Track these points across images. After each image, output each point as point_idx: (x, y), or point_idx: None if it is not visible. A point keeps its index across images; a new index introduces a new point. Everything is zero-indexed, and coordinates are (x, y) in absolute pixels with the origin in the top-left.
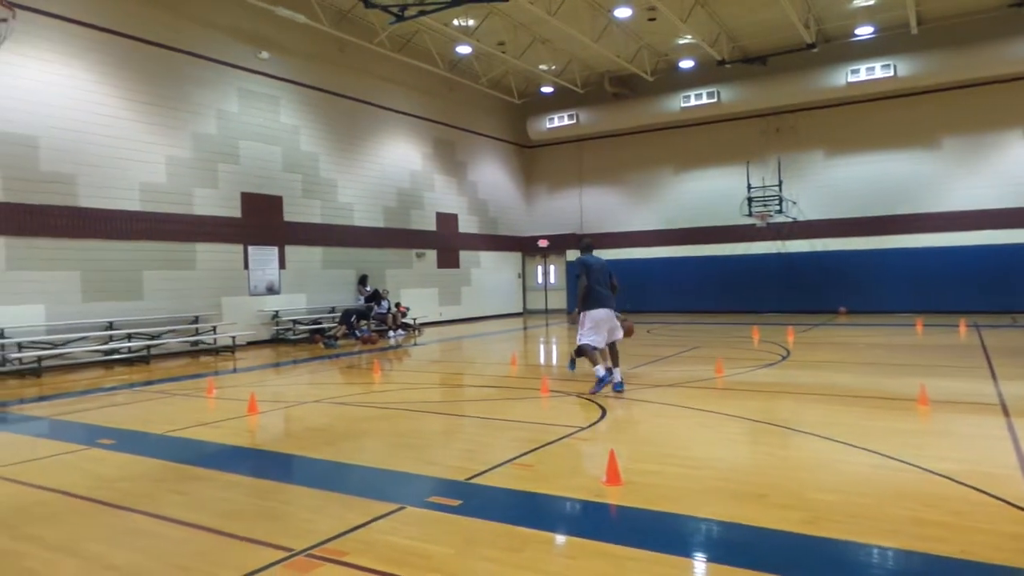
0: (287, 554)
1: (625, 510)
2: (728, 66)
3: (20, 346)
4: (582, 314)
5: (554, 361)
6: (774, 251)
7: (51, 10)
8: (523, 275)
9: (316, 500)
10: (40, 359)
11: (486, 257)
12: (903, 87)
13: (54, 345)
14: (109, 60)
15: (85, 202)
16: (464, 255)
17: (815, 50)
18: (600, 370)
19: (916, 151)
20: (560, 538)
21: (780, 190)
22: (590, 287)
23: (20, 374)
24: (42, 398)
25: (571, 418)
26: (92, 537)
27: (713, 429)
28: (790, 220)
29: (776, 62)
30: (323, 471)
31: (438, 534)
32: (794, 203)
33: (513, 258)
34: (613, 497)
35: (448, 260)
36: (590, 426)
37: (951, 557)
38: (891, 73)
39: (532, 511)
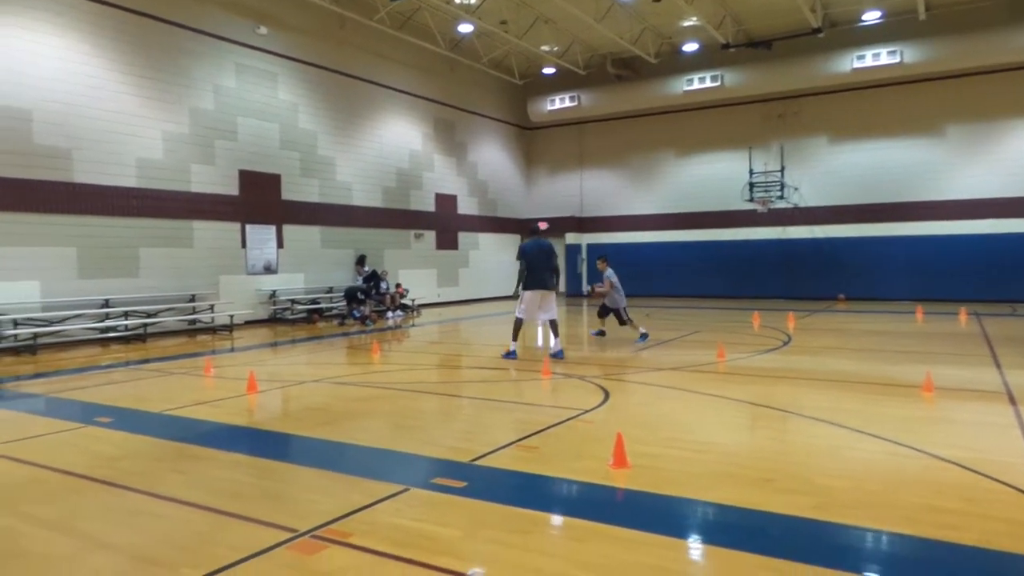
0: (291, 535)
1: (632, 493)
2: (732, 50)
3: (15, 323)
4: (520, 292)
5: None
6: (775, 237)
7: None
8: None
9: (319, 480)
10: (36, 336)
11: (485, 239)
12: (909, 74)
13: (49, 322)
14: (104, 32)
15: (80, 177)
16: (463, 236)
17: (821, 35)
18: (512, 344)
19: (920, 139)
20: (568, 521)
21: (782, 176)
22: (523, 270)
23: (15, 351)
24: (38, 375)
25: (574, 400)
26: (89, 516)
27: (717, 413)
28: (791, 206)
29: (781, 46)
30: (325, 451)
31: (444, 516)
32: (796, 189)
33: (512, 240)
34: (620, 480)
35: (447, 241)
36: (593, 409)
37: (969, 545)
38: (897, 59)
39: (538, 493)
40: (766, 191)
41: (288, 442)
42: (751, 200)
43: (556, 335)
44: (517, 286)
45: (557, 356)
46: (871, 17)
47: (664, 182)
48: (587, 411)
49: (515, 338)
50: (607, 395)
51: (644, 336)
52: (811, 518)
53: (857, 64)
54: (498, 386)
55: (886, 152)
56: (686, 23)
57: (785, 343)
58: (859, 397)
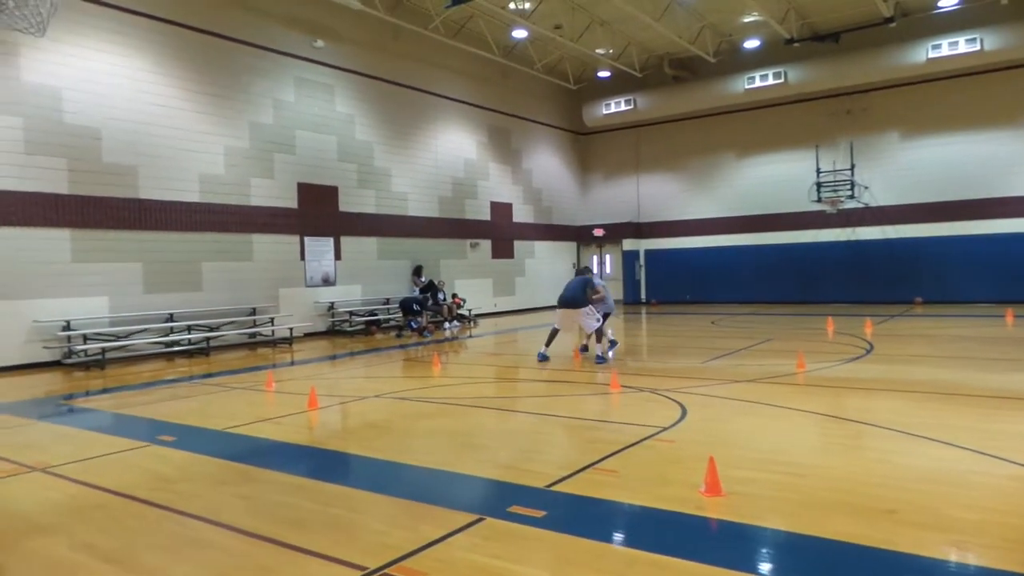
0: (360, 573)
1: (732, 526)
2: (797, 45)
3: (85, 338)
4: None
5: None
6: (844, 239)
7: (111, 1)
8: (578, 265)
9: (386, 508)
10: (104, 351)
11: (540, 247)
12: (989, 62)
13: (117, 337)
14: (167, 51)
15: (145, 194)
16: (518, 245)
17: (893, 24)
18: (544, 349)
19: (1001, 131)
20: (661, 560)
21: (852, 174)
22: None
23: (85, 366)
24: (105, 390)
25: (649, 417)
26: (150, 546)
27: (809, 430)
28: (862, 206)
29: (849, 39)
30: (390, 474)
31: (526, 552)
32: (866, 188)
33: (568, 248)
34: (715, 510)
35: (502, 250)
36: (672, 426)
37: None
38: (977, 47)
39: (626, 525)
40: (835, 191)
41: (351, 463)
42: (819, 200)
43: (598, 341)
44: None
45: (600, 361)
46: (948, 3)
47: (725, 185)
48: (665, 428)
49: (547, 342)
50: (684, 410)
51: (613, 344)
52: (951, 560)
53: (933, 54)
54: (566, 400)
55: (964, 146)
56: (747, 19)
57: (868, 351)
58: (968, 411)
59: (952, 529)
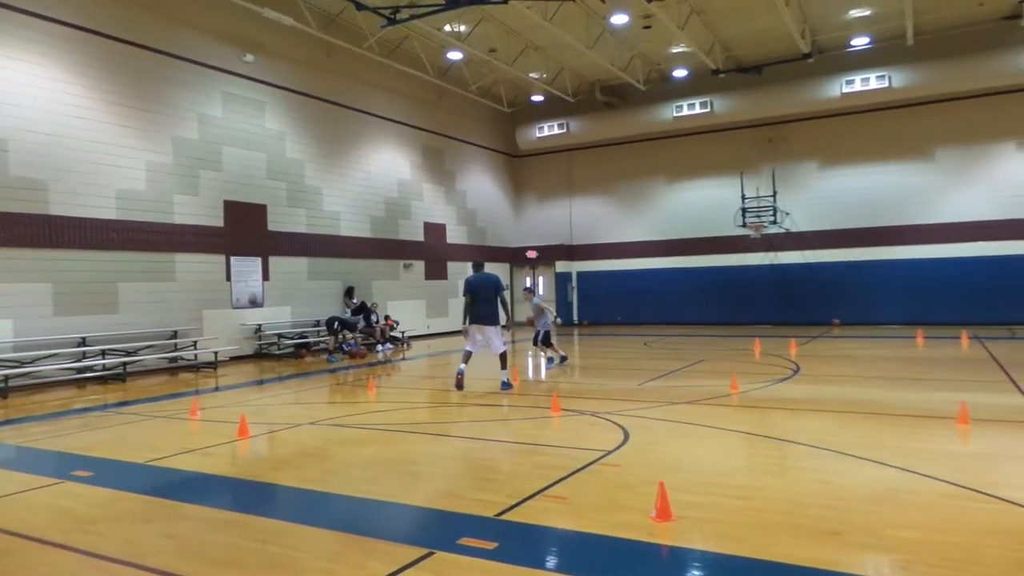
0: None
1: (685, 552)
2: (722, 76)
3: None
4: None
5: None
6: (767, 262)
7: (23, 6)
8: (511, 287)
9: (329, 543)
10: (7, 378)
11: None
12: (898, 98)
13: (21, 363)
14: (86, 60)
15: (57, 209)
16: (452, 266)
17: (810, 60)
18: (462, 367)
19: (910, 162)
20: None
21: (774, 201)
22: (469, 304)
23: None
24: (8, 421)
25: (592, 440)
26: None
27: (750, 452)
28: (783, 231)
29: (771, 72)
30: (330, 506)
31: None
32: (787, 214)
33: (501, 269)
34: (667, 536)
35: (436, 271)
36: (615, 449)
37: None
38: (886, 84)
39: (580, 555)
40: (758, 216)
41: (288, 496)
42: (744, 225)
43: (504, 367)
44: (464, 319)
45: (504, 387)
46: (860, 42)
47: (655, 209)
48: (609, 452)
49: (464, 361)
50: (627, 434)
51: (564, 359)
52: None
53: (846, 89)
54: (507, 425)
55: (877, 176)
56: (675, 50)
57: (795, 371)
58: (895, 431)
59: (896, 549)
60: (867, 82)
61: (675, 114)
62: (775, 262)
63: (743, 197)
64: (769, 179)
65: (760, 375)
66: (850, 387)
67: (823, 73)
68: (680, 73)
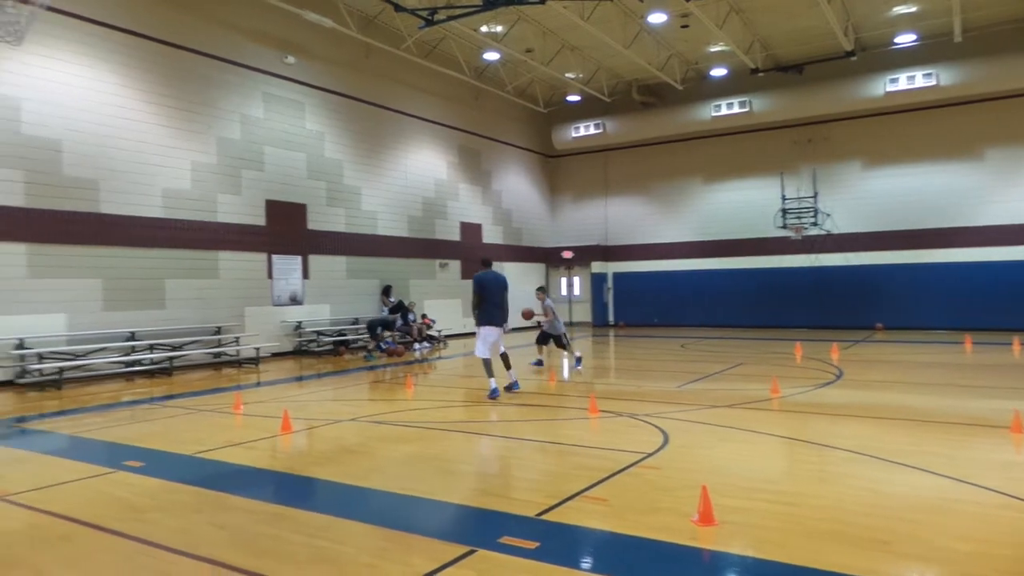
0: None
1: (729, 557)
2: (761, 75)
3: (41, 357)
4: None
5: (593, 377)
6: (807, 264)
7: (76, 11)
8: (547, 287)
9: (374, 539)
10: (61, 370)
11: (510, 268)
12: (945, 97)
13: (75, 356)
14: (134, 63)
15: (107, 208)
16: None
17: (853, 58)
18: (492, 383)
19: (958, 162)
20: None
21: (815, 202)
22: (480, 303)
23: (40, 386)
24: (63, 412)
25: (631, 442)
26: None
27: (793, 457)
28: (824, 233)
29: (812, 71)
30: (372, 502)
31: None
32: (828, 215)
33: (537, 269)
34: (710, 540)
35: (472, 271)
36: (655, 452)
37: None
38: (933, 82)
39: (622, 557)
40: (799, 217)
41: (331, 491)
42: (784, 227)
43: (509, 367)
44: (476, 315)
45: (512, 388)
46: (905, 40)
47: (692, 209)
48: (649, 455)
49: (491, 374)
50: (666, 436)
51: (579, 360)
52: None
53: (890, 87)
54: (546, 425)
55: (922, 177)
56: (714, 49)
57: (838, 376)
58: (943, 439)
59: (947, 561)
60: (913, 80)
61: (713, 113)
62: (816, 264)
63: (783, 198)
64: (810, 179)
65: (801, 379)
66: (896, 393)
67: (866, 71)
68: (718, 72)
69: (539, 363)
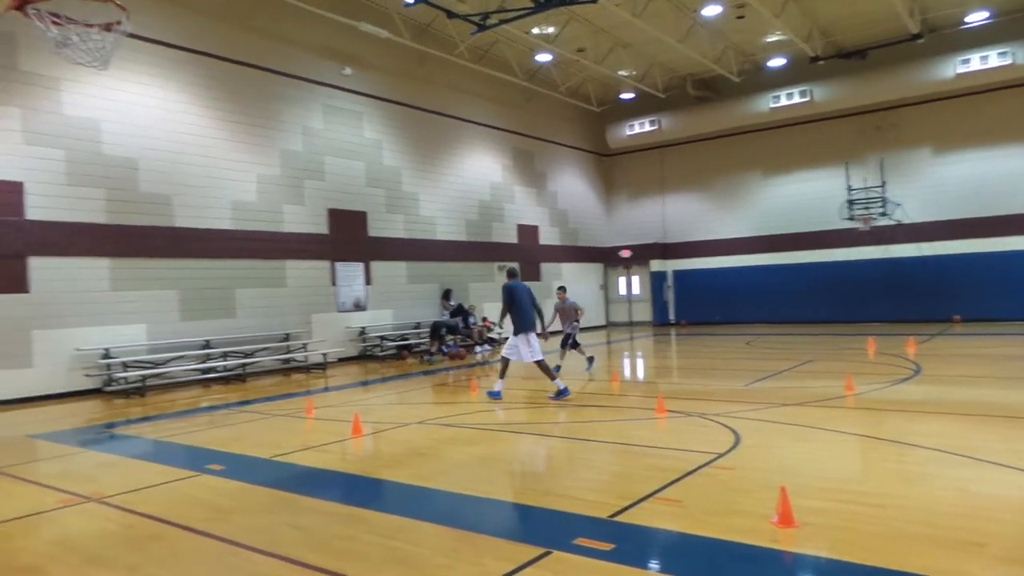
0: None
1: (813, 560)
2: (822, 63)
3: (125, 365)
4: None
5: (656, 376)
6: (877, 256)
7: (149, 35)
8: (605, 286)
9: (447, 540)
10: (144, 378)
11: (567, 269)
12: (1022, 76)
13: (155, 364)
14: (202, 82)
15: (180, 222)
16: (545, 267)
17: (920, 40)
18: (497, 385)
19: None
20: None
21: (883, 191)
22: (511, 310)
23: (125, 393)
24: (147, 418)
25: (702, 443)
26: None
27: (873, 456)
28: (895, 223)
29: (876, 56)
30: (445, 504)
31: None
32: (899, 205)
33: (595, 269)
34: (791, 542)
35: (529, 273)
36: (727, 452)
37: None
38: (1009, 61)
39: (700, 559)
40: (867, 208)
41: (403, 493)
42: (851, 218)
43: (548, 374)
44: (507, 322)
45: (562, 395)
46: (977, 18)
47: (752, 204)
48: (721, 455)
49: (502, 376)
50: (737, 436)
51: (591, 361)
52: None
53: (961, 69)
54: (612, 426)
55: (999, 161)
56: (771, 38)
57: (916, 372)
58: None
59: None
60: (986, 60)
61: (772, 105)
62: (886, 256)
63: (849, 188)
64: (877, 168)
65: (877, 375)
66: (980, 388)
67: (934, 53)
68: (776, 62)
69: (589, 362)
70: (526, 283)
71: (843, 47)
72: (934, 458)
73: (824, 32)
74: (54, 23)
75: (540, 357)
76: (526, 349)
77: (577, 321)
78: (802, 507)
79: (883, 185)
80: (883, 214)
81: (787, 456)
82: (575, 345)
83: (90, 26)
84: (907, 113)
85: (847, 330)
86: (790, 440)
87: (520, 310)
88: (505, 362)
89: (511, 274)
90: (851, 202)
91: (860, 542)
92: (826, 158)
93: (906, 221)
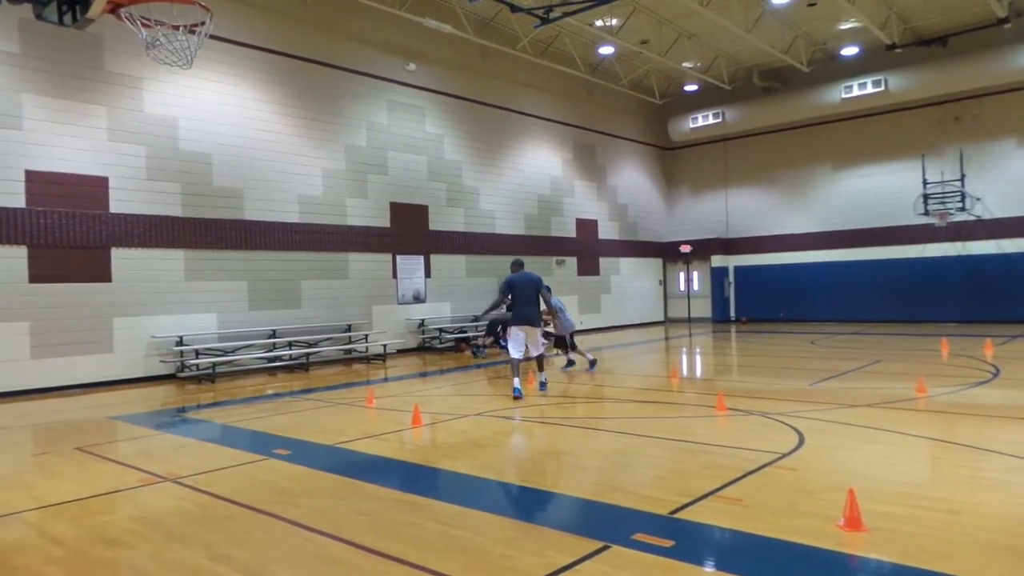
0: None
1: (882, 566)
2: (899, 51)
3: (197, 353)
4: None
5: (716, 374)
6: (953, 253)
7: (223, 35)
8: (664, 282)
9: (508, 531)
10: (214, 365)
11: (626, 264)
12: None
13: (225, 352)
14: (273, 79)
15: (250, 215)
16: (604, 262)
17: (1007, 25)
18: (516, 382)
19: None
20: None
21: (962, 185)
22: (504, 303)
23: (197, 379)
24: (217, 403)
25: (764, 442)
26: (283, 561)
27: (947, 462)
28: (973, 219)
29: (957, 42)
30: (505, 495)
31: None
32: (978, 199)
33: (654, 264)
34: (859, 547)
35: (588, 267)
36: (790, 453)
37: None
38: None
39: (762, 559)
40: (943, 203)
41: (463, 482)
42: (926, 213)
43: (541, 369)
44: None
45: (542, 387)
46: None
47: (820, 198)
48: (784, 455)
49: (514, 374)
50: (801, 436)
51: (593, 363)
52: None
53: None
54: (672, 422)
55: None
56: (844, 26)
57: (994, 375)
58: None
59: None
60: None
61: (843, 95)
62: (963, 253)
63: (924, 182)
64: (956, 161)
65: (951, 377)
66: None
67: (1022, 39)
68: (850, 51)
69: (591, 364)
70: (542, 276)
71: (922, 34)
72: (1013, 465)
73: (902, 18)
74: (144, 25)
75: (517, 356)
76: (522, 343)
77: (549, 323)
78: (870, 511)
79: (962, 178)
80: (961, 209)
81: (854, 458)
82: (573, 346)
83: (176, 27)
84: (990, 102)
85: (919, 330)
86: (857, 442)
87: (516, 304)
88: (514, 363)
89: (515, 266)
90: (926, 196)
91: (934, 549)
92: (900, 150)
93: (986, 216)
